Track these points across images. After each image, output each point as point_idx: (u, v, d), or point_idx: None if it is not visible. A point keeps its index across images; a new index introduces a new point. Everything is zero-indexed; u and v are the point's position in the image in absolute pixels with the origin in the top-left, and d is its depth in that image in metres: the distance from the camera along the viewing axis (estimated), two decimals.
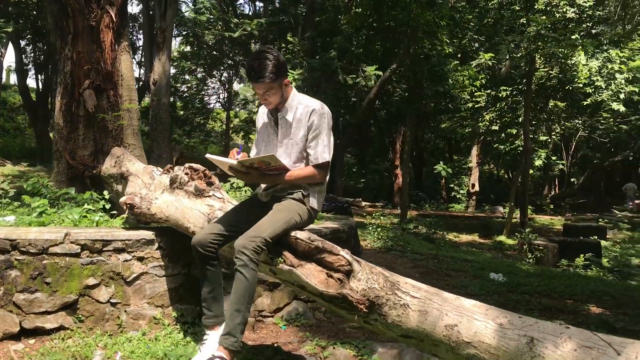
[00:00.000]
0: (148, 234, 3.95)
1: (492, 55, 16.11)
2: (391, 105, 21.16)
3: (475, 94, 14.84)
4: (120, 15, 5.59)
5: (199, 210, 3.51)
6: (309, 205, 3.03)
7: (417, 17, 13.33)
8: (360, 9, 14.97)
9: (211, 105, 30.47)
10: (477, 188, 25.46)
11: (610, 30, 19.92)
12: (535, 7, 13.96)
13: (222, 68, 27.66)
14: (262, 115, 3.26)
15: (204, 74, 27.66)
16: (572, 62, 13.85)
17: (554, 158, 27.30)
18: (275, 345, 3.93)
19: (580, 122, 20.76)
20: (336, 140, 23.64)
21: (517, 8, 14.27)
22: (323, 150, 2.96)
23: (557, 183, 33.79)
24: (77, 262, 3.74)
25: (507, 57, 17.91)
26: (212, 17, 20.78)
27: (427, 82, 13.94)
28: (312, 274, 2.77)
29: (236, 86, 33.19)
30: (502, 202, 27.54)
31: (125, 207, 4.00)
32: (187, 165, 3.92)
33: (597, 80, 14.19)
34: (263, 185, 3.14)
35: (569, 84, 14.57)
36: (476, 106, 15.14)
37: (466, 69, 14.61)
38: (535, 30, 13.12)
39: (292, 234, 2.90)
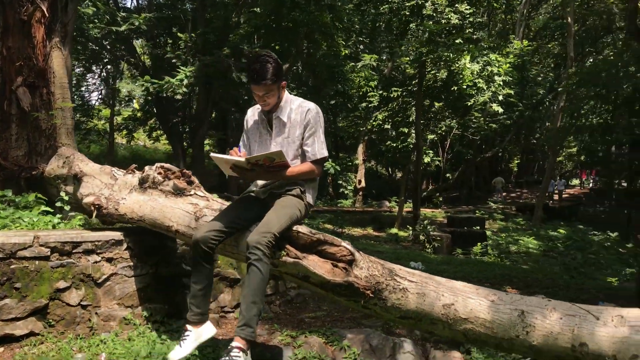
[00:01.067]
0: (117, 235, 3.92)
1: (376, 57, 16.99)
2: None
3: (369, 94, 15.58)
4: (52, 10, 5.37)
5: (182, 209, 3.57)
6: (306, 201, 3.24)
7: (315, 19, 13.75)
8: (259, 9, 15.09)
9: (93, 102, 29.01)
10: (363, 184, 26.54)
11: (487, 36, 21.62)
12: (424, 13, 14.95)
13: (102, 64, 26.42)
14: (252, 117, 3.40)
15: (82, 69, 26.27)
16: (458, 65, 14.95)
17: (432, 155, 29.12)
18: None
19: (454, 121, 22.34)
20: (229, 139, 23.60)
21: (407, 13, 15.20)
22: (320, 147, 3.17)
23: (431, 178, 35.95)
24: (47, 266, 3.65)
25: (392, 59, 18.98)
26: (98, 10, 19.83)
27: (327, 82, 14.39)
28: (317, 265, 2.98)
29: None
30: (385, 197, 28.95)
31: (92, 209, 3.94)
32: (158, 164, 3.95)
33: (479, 82, 15.52)
34: (259, 183, 3.28)
35: (455, 86, 15.75)
36: (369, 106, 15.89)
37: (362, 70, 15.27)
38: (427, 36, 14.03)
39: (294, 228, 3.09)
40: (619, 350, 2.48)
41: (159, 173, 3.87)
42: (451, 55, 14.19)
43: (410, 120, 15.91)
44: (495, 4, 19.67)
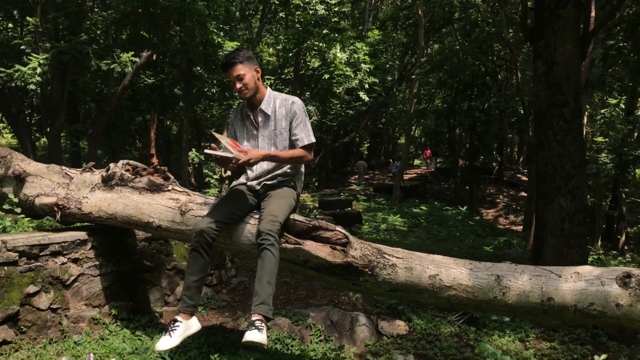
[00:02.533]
0: (81, 235, 3.86)
1: (237, 44, 17.14)
2: (139, 92, 20.66)
3: None
4: None
5: (162, 205, 3.61)
6: (297, 190, 3.48)
7: (188, 7, 13.54)
8: None
9: None
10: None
11: (351, 26, 22.55)
12: (293, 2, 15.33)
13: None
14: (237, 115, 3.54)
15: None
16: (330, 54, 15.55)
17: None
18: (221, 324, 4.23)
19: (315, 108, 23.15)
20: (87, 131, 22.24)
21: (277, 2, 15.47)
22: (308, 133, 3.38)
23: None
24: (16, 271, 3.51)
25: (252, 46, 19.24)
26: None
27: (203, 71, 14.24)
28: (318, 249, 3.24)
29: None
30: None
31: (55, 209, 3.82)
32: (124, 161, 3.93)
33: (347, 70, 16.27)
34: (251, 175, 3.44)
35: (327, 74, 16.36)
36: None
37: None
38: (302, 26, 14.42)
39: (290, 216, 3.33)
40: (579, 301, 3.05)
41: (127, 170, 3.85)
42: (324, 45, 14.72)
43: None
44: None
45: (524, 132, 27.18)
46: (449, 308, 4.07)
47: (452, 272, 3.28)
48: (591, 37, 6.05)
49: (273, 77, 15.91)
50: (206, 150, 3.17)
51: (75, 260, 3.81)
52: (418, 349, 4.29)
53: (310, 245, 3.24)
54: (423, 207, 21.64)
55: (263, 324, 2.90)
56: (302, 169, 3.57)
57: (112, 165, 3.90)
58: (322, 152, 32.43)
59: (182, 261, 4.66)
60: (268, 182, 3.40)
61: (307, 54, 16.28)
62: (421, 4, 22.63)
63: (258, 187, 3.41)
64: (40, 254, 3.63)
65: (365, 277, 3.29)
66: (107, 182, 3.85)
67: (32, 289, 3.56)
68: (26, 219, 4.24)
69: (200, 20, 14.13)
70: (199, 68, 14.91)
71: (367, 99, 17.93)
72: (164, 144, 30.45)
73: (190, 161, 20.49)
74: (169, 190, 3.70)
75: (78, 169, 4.13)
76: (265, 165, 3.41)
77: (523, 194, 30.17)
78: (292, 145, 3.41)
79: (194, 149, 19.54)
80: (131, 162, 3.91)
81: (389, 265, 3.31)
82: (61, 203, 3.81)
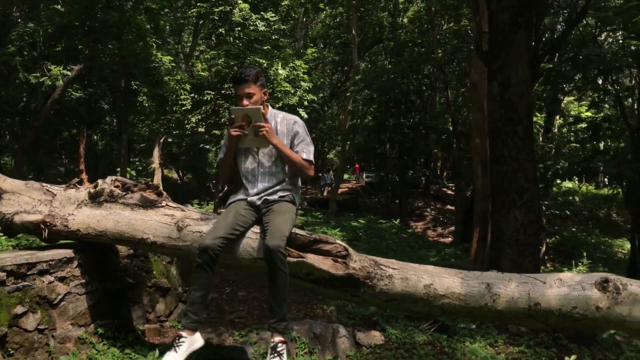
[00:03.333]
0: (68, 252, 3.78)
1: (171, 58, 17.04)
2: (66, 105, 19.96)
3: (181, 97, 15.50)
4: None
5: (157, 221, 3.61)
6: (297, 206, 3.58)
7: (128, 20, 13.29)
8: (61, 7, 13.99)
9: None
10: (161, 189, 25.83)
11: (290, 43, 22.81)
12: (233, 19, 15.39)
13: None
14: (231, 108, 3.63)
15: None
16: (272, 71, 15.68)
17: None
18: (207, 340, 4.23)
19: None
20: (10, 145, 21.20)
21: (216, 18, 15.48)
22: (309, 151, 3.49)
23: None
24: (4, 291, 3.40)
25: (187, 62, 19.16)
26: None
27: (143, 85, 13.99)
28: (321, 262, 3.34)
29: None
30: (187, 201, 28.56)
31: (42, 227, 3.74)
32: (112, 177, 3.90)
33: (287, 86, 16.44)
34: (252, 192, 3.51)
35: (270, 89, 16.37)
36: (183, 109, 15.84)
37: (177, 73, 15.16)
38: (244, 42, 14.48)
39: (293, 230, 3.42)
40: (563, 305, 3.31)
41: (116, 186, 3.83)
42: (265, 61, 14.81)
43: (222, 122, 16.26)
44: (294, 14, 20.98)
45: (451, 148, 28.40)
46: (441, 315, 4.27)
47: (445, 281, 3.47)
48: (541, 60, 6.53)
49: (213, 92, 15.86)
50: (232, 108, 3.38)
51: (61, 279, 3.72)
52: (397, 357, 4.45)
53: (312, 258, 3.34)
54: (361, 221, 22.04)
55: (284, 347, 2.99)
56: (300, 183, 3.67)
57: (100, 181, 3.86)
58: None
59: (161, 278, 4.63)
60: (269, 197, 3.48)
61: None
62: (354, 24, 23.25)
63: (259, 202, 3.48)
64: (28, 273, 3.53)
65: (364, 288, 3.43)
66: (95, 199, 3.80)
67: (19, 309, 3.46)
68: (3, 237, 4.10)
69: (140, 34, 13.92)
70: (136, 82, 14.66)
71: (305, 115, 18.17)
72: (91, 159, 29.54)
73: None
74: (162, 207, 3.71)
75: (60, 186, 4.05)
76: (266, 182, 3.50)
77: (449, 207, 31.33)
78: None
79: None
80: (119, 178, 3.89)
81: (386, 276, 3.46)
82: (48, 220, 3.72)
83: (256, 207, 3.48)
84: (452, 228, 26.19)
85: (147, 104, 15.28)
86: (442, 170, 39.95)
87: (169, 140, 24.35)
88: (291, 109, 18.90)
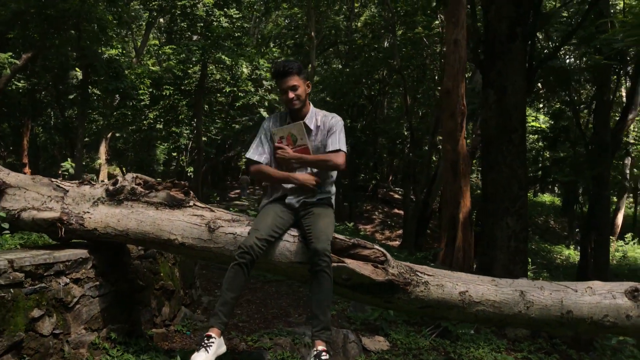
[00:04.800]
0: (83, 253, 3.57)
1: (120, 50, 16.52)
2: (9, 96, 18.98)
3: (140, 92, 14.98)
4: None
5: (185, 222, 3.45)
6: (333, 208, 3.50)
7: (89, 10, 12.74)
8: None
9: None
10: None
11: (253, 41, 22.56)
12: (196, 13, 15.03)
13: None
14: (271, 126, 3.50)
15: None
16: (238, 68, 15.43)
17: (174, 154, 28.94)
18: None
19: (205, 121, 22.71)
20: None
21: (178, 12, 15.07)
22: (337, 141, 3.39)
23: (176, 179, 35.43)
24: (22, 293, 3.18)
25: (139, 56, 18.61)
26: None
27: (104, 78, 13.47)
28: (361, 267, 3.27)
29: None
30: None
31: (59, 225, 3.51)
32: (133, 175, 3.71)
33: (249, 85, 16.20)
34: (290, 194, 3.41)
35: (228, 87, 16.15)
36: (142, 104, 15.32)
37: (139, 67, 14.67)
38: (211, 38, 14.18)
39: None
40: (594, 313, 3.37)
41: (138, 184, 3.64)
42: (229, 60, 14.55)
43: (180, 118, 15.88)
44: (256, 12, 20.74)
45: (401, 152, 28.81)
46: (473, 322, 4.27)
47: (480, 288, 3.47)
48: (536, 71, 6.70)
49: (172, 88, 15.46)
50: (275, 129, 3.42)
51: (76, 281, 3.51)
52: None
53: (352, 263, 3.28)
54: None
55: (327, 355, 2.91)
56: (334, 188, 3.58)
57: (119, 178, 3.67)
58: (205, 165, 31.86)
59: (167, 280, 4.44)
60: (307, 200, 3.40)
61: (214, 67, 16.03)
62: (312, 26, 23.22)
63: (297, 205, 3.39)
64: (45, 274, 3.31)
65: (399, 294, 3.39)
66: (114, 197, 3.61)
67: (36, 312, 3.23)
68: (7, 234, 3.83)
69: (101, 26, 13.38)
70: (94, 75, 14.08)
71: (267, 115, 17.95)
72: (33, 152, 28.24)
73: (64, 172, 19.29)
74: (190, 207, 3.55)
75: (72, 182, 3.82)
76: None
77: (396, 210, 31.79)
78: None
79: (69, 159, 18.36)
80: (141, 175, 3.71)
81: (422, 283, 3.43)
82: (65, 219, 3.50)
83: (294, 210, 3.39)
84: (400, 231, 26.54)
85: (103, 98, 14.69)
86: (388, 175, 40.46)
87: (117, 135, 23.64)
88: (252, 109, 18.77)
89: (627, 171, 23.30)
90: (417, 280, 3.43)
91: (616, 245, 23.85)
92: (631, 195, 30.17)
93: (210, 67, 16.29)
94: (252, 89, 16.59)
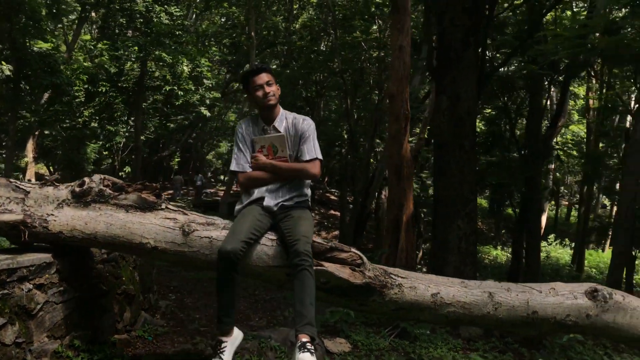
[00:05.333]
0: (47, 257, 3.42)
1: (52, 45, 15.86)
2: None
3: (75, 88, 14.32)
4: None
5: (158, 225, 3.36)
6: (310, 211, 3.50)
7: (21, 2, 12.11)
8: None
9: None
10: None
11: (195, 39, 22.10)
12: (136, 9, 14.58)
13: None
14: (247, 129, 3.46)
15: None
16: (178, 66, 15.07)
17: (105, 152, 28.00)
18: (182, 350, 4.02)
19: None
20: None
21: (117, 7, 14.55)
22: (312, 149, 3.40)
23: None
24: None
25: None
26: None
27: (39, 73, 12.83)
28: (339, 270, 3.28)
29: None
30: None
31: (22, 229, 3.34)
32: (100, 176, 3.58)
33: (189, 84, 15.83)
34: (268, 197, 3.37)
35: (168, 86, 15.76)
36: (76, 100, 14.69)
37: (74, 63, 14.06)
38: (152, 35, 13.79)
39: None
40: (557, 313, 3.52)
41: (106, 185, 3.52)
42: (170, 58, 14.18)
43: (116, 116, 15.35)
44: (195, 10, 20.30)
45: (338, 155, 29.06)
46: (444, 323, 4.36)
47: (451, 290, 3.56)
48: (487, 79, 6.92)
49: (108, 85, 14.92)
50: (257, 137, 3.40)
51: (40, 287, 3.36)
52: None
53: (331, 267, 3.29)
54: None
55: (312, 346, 2.91)
56: (309, 191, 3.58)
57: (86, 179, 3.53)
58: (139, 166, 30.91)
59: (129, 285, 4.31)
60: (285, 203, 3.38)
61: (153, 64, 15.61)
62: (252, 25, 23.08)
63: (275, 209, 3.37)
64: (8, 280, 3.14)
65: (374, 297, 3.43)
66: (81, 198, 3.47)
67: (0, 321, 3.07)
68: None
69: (35, 18, 12.75)
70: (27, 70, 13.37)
71: (208, 114, 17.69)
72: None
73: None
74: (162, 209, 3.46)
75: (33, 183, 3.65)
76: (284, 188, 3.40)
77: (332, 212, 32.05)
78: (296, 160, 3.45)
79: None
80: (108, 177, 3.58)
81: (396, 285, 3.48)
82: (28, 221, 3.34)
83: (272, 213, 3.37)
84: (337, 232, 26.78)
85: (35, 93, 14.01)
86: (324, 176, 40.72)
87: (46, 132, 22.62)
88: (190, 107, 18.38)
89: (551, 175, 24.45)
90: (391, 283, 3.48)
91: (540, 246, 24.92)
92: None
93: (150, 64, 15.90)
94: (193, 88, 16.28)
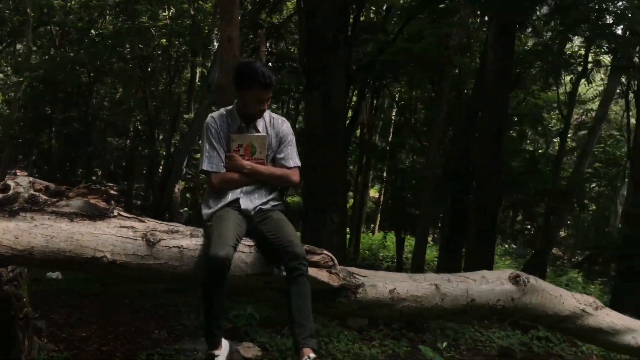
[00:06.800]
0: None
1: None
2: None
3: None
4: None
5: (115, 235, 2.87)
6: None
7: None
8: None
9: None
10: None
11: None
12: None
13: None
14: (220, 125, 3.14)
15: None
16: None
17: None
18: None
19: None
20: None
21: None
22: (295, 155, 3.26)
23: None
24: None
25: None
26: None
27: None
28: (318, 273, 3.17)
29: None
30: None
31: None
32: (30, 179, 2.94)
33: None
34: (245, 201, 3.10)
35: None
36: None
37: None
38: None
39: None
40: (490, 299, 3.82)
41: (38, 190, 2.90)
42: None
43: None
44: None
45: (128, 146, 27.30)
46: (398, 318, 4.39)
47: (404, 285, 3.66)
48: (354, 77, 7.11)
49: None
50: (236, 135, 3.12)
51: None
52: None
53: (312, 271, 3.17)
54: None
55: None
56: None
57: (10, 183, 2.87)
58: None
59: (28, 306, 3.60)
60: (263, 207, 3.16)
61: None
62: (29, 2, 20.36)
63: (253, 213, 3.13)
64: None
65: (341, 298, 3.40)
66: (5, 207, 2.81)
67: None
68: None
69: None
70: None
71: None
72: None
73: None
74: (115, 217, 2.97)
75: None
76: (261, 192, 3.19)
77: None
78: (276, 164, 3.26)
79: None
80: (39, 180, 2.96)
81: (360, 284, 3.49)
82: None
83: (249, 217, 3.12)
84: None
85: None
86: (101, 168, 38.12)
87: None
88: None
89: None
90: (355, 283, 3.47)
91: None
92: None
93: None
94: None
